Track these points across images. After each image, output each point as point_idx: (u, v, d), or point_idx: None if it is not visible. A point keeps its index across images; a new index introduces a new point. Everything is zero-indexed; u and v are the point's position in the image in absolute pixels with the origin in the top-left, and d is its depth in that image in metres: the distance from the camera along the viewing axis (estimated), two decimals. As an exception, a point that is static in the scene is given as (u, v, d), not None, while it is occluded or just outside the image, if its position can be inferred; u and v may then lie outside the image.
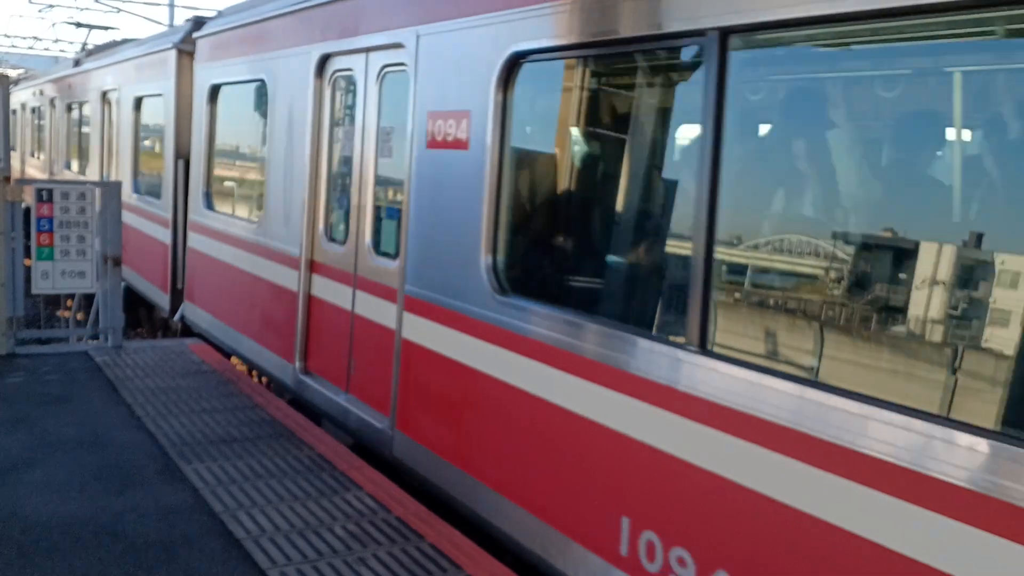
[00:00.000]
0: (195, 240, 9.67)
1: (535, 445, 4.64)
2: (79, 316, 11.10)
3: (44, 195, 8.03)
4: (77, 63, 16.88)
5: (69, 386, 7.26)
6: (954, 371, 3.31)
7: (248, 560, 4.48)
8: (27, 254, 8.37)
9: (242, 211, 9.04)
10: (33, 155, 22.11)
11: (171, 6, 30.17)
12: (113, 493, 5.19)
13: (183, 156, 10.21)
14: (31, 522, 4.75)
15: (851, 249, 3.77)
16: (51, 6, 32.62)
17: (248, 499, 5.21)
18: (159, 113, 11.07)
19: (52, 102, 18.54)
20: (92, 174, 14.49)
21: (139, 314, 12.63)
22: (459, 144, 5.28)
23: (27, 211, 8.29)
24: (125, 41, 16.85)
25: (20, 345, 8.31)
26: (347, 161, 6.78)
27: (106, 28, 28.68)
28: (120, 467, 5.59)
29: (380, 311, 6.16)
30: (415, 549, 4.71)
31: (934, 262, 3.41)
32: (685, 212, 4.09)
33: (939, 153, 3.82)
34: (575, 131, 5.18)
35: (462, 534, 4.92)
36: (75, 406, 6.76)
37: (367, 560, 4.56)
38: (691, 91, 4.14)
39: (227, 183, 9.61)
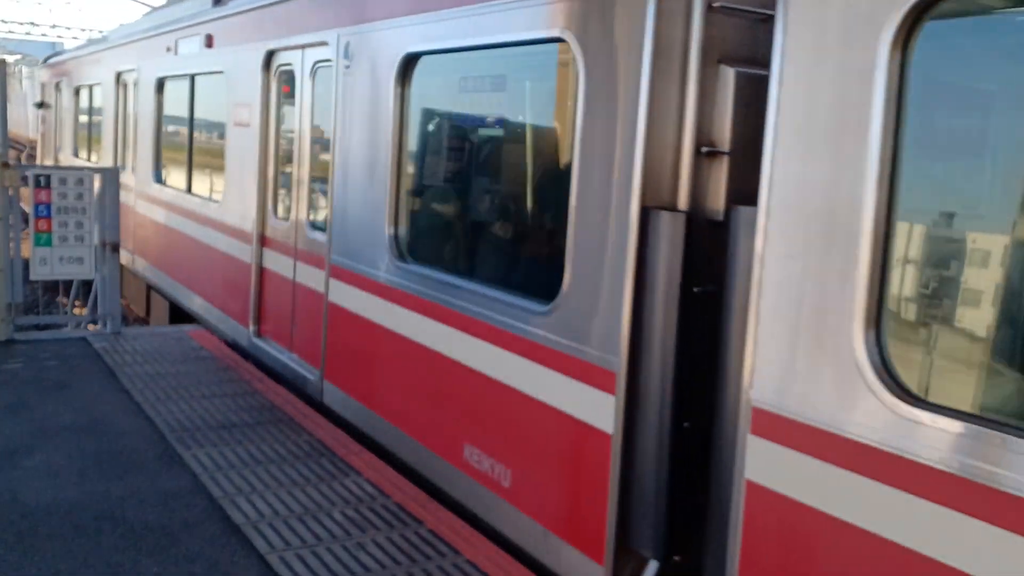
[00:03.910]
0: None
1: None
2: (76, 304, 11.09)
3: (42, 181, 8.01)
4: None
5: (68, 372, 7.26)
6: None
7: (247, 545, 4.49)
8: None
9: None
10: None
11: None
12: (112, 478, 5.20)
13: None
14: (30, 507, 4.76)
15: None
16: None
17: (247, 484, 5.22)
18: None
19: None
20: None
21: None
22: None
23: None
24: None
25: (18, 331, 8.31)
26: None
27: None
28: (119, 453, 5.60)
29: None
30: (413, 534, 4.73)
31: None
32: None
33: None
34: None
35: (460, 519, 4.94)
36: (74, 392, 6.76)
37: (366, 545, 4.58)
38: None
39: None
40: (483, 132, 5.55)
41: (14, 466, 5.29)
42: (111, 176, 8.48)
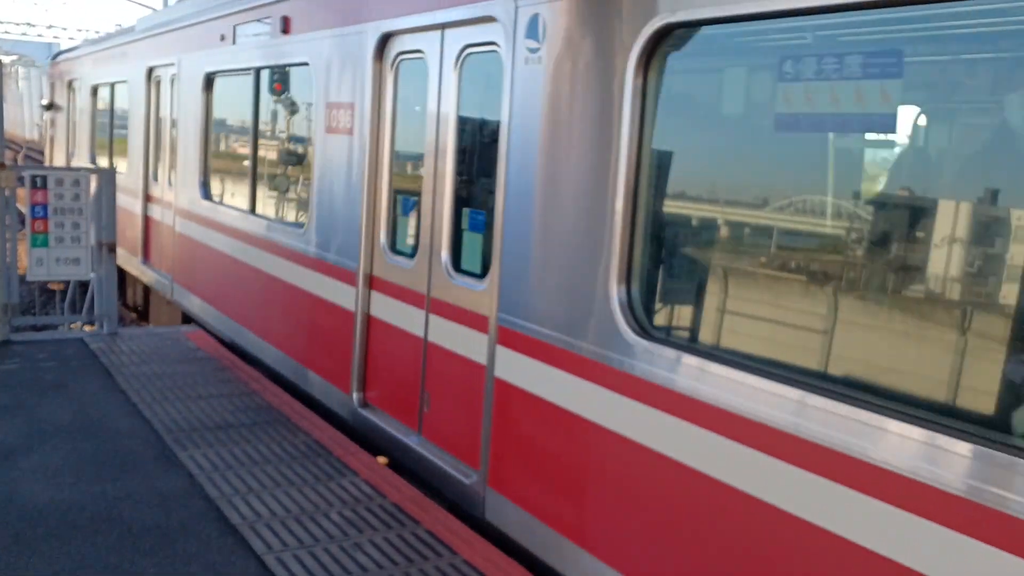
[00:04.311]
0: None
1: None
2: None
3: (38, 182, 8.01)
4: None
5: (64, 373, 7.26)
6: None
7: (244, 545, 4.49)
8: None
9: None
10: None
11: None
12: (109, 479, 5.20)
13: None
14: (27, 508, 4.76)
15: None
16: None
17: (244, 485, 5.22)
18: None
19: None
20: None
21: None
22: None
23: None
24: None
25: (15, 332, 8.30)
26: None
27: None
28: (116, 453, 5.59)
29: None
30: (411, 534, 4.73)
31: None
32: None
33: None
34: None
35: (457, 519, 4.94)
36: (71, 393, 6.76)
37: (363, 545, 4.58)
38: None
39: None
40: (837, 143, 3.66)
41: (11, 467, 5.29)
42: (107, 176, 8.48)
